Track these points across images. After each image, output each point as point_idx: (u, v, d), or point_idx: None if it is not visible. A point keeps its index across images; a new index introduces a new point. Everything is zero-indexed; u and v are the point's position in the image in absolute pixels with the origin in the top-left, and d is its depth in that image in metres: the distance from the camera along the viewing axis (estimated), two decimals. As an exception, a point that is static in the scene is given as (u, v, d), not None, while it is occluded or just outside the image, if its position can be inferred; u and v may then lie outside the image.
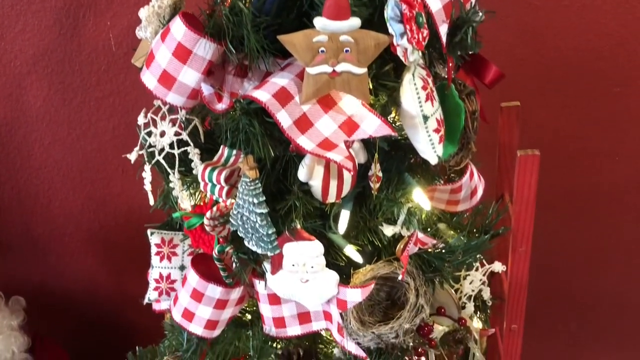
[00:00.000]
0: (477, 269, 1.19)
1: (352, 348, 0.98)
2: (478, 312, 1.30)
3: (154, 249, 1.16)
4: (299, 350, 1.03)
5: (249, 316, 1.16)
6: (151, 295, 1.17)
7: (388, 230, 0.94)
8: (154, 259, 1.16)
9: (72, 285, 2.03)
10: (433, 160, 0.83)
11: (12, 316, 1.72)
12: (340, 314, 0.98)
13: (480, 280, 1.20)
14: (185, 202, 1.01)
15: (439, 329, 1.20)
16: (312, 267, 0.95)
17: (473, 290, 1.21)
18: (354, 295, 0.95)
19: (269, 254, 0.89)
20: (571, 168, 1.81)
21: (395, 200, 0.90)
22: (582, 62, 1.69)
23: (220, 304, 1.03)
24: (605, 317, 2.14)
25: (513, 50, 1.65)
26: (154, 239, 1.16)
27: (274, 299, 1.03)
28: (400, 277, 0.97)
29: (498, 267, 1.21)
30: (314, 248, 0.94)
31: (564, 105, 1.72)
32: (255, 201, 0.83)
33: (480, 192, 1.08)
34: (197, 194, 0.99)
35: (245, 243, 0.91)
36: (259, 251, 0.89)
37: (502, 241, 1.23)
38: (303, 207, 0.89)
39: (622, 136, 1.77)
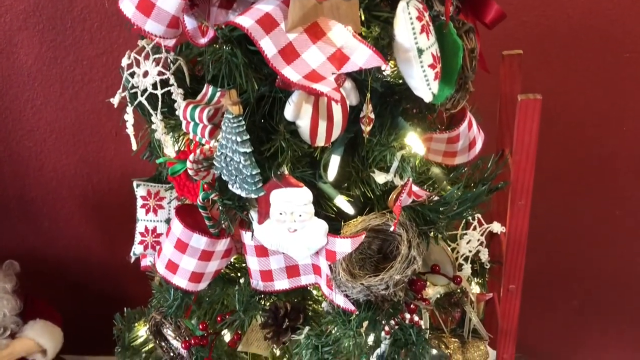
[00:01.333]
0: (474, 228, 1.14)
1: (341, 301, 0.93)
2: (476, 277, 1.25)
3: (139, 202, 1.12)
4: (287, 305, 0.99)
5: (239, 274, 1.12)
6: (136, 249, 1.13)
7: (380, 178, 0.90)
8: (140, 212, 1.12)
9: (65, 250, 2.00)
10: (427, 98, 0.78)
11: (5, 279, 1.70)
12: (329, 266, 0.93)
13: (478, 240, 1.15)
14: (170, 148, 0.96)
15: (434, 291, 1.16)
16: (300, 215, 0.91)
17: (470, 251, 1.16)
18: (344, 246, 0.91)
19: (253, 196, 0.85)
20: (576, 136, 1.75)
21: (387, 144, 0.86)
22: (592, 27, 1.63)
23: (205, 256, 0.99)
24: (608, 296, 2.09)
25: (518, 13, 1.59)
26: (140, 191, 1.12)
27: (261, 251, 0.99)
28: (392, 229, 0.93)
29: (497, 227, 1.16)
30: (302, 195, 0.89)
31: (572, 70, 1.66)
32: (239, 139, 0.79)
33: (479, 145, 1.03)
34: (181, 139, 0.95)
35: (230, 187, 0.87)
36: (243, 194, 0.85)
37: (502, 201, 1.19)
38: (291, 150, 0.85)
39: (632, 104, 1.72)
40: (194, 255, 0.99)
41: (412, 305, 0.97)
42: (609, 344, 2.22)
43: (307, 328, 0.98)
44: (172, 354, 1.14)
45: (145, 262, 1.16)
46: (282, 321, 0.99)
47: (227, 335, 1.14)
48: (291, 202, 0.90)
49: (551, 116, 1.70)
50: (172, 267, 1.00)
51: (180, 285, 1.01)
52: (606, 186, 1.85)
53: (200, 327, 1.04)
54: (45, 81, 1.71)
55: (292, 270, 1.00)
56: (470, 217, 1.14)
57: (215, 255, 1.00)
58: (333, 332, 0.94)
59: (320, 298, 1.04)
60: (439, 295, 1.16)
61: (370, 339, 1.04)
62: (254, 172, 0.81)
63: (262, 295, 1.05)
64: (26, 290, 1.76)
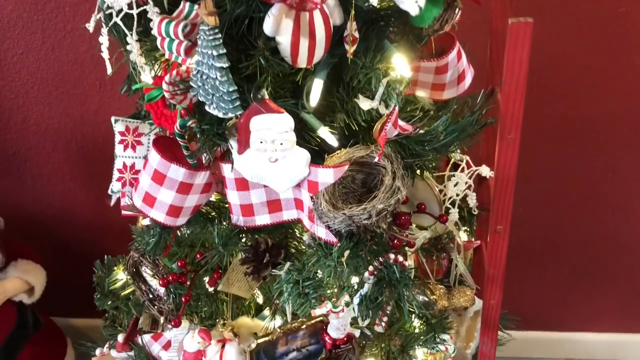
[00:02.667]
0: (462, 170, 1.11)
1: (322, 233, 0.91)
2: (463, 224, 1.23)
3: (117, 137, 1.09)
4: (268, 241, 0.96)
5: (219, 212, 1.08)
6: (114, 186, 1.09)
7: (365, 104, 0.86)
8: (118, 148, 1.09)
9: (49, 207, 1.96)
10: (414, 11, 0.75)
11: (-12, 234, 1.67)
12: (311, 198, 0.90)
13: (466, 183, 1.12)
14: (146, 75, 0.93)
15: (420, 236, 1.13)
16: (282, 144, 0.87)
17: (458, 195, 1.13)
18: (326, 176, 0.88)
19: (230, 115, 0.81)
20: (570, 96, 1.72)
21: (372, 67, 0.82)
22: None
23: (184, 188, 0.96)
24: (599, 262, 2.08)
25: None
26: (118, 126, 1.09)
27: (242, 184, 0.96)
28: (376, 160, 0.90)
29: (485, 171, 1.13)
30: (283, 121, 0.86)
31: (565, 26, 1.63)
32: (215, 53, 0.75)
33: (468, 79, 1.00)
34: (158, 65, 0.91)
35: (207, 108, 0.83)
36: (221, 114, 0.82)
37: (490, 145, 1.16)
38: (271, 70, 0.81)
39: (627, 61, 1.68)
40: (172, 187, 0.95)
41: (395, 241, 0.94)
42: (599, 309, 2.21)
43: (288, 263, 0.96)
44: (150, 296, 1.11)
45: (124, 202, 1.13)
46: (262, 256, 0.96)
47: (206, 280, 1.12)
48: (272, 129, 0.87)
49: (543, 74, 1.67)
50: (150, 200, 0.97)
51: (158, 219, 0.98)
52: (600, 148, 1.83)
53: (179, 264, 1.01)
54: (26, 29, 1.66)
55: (274, 204, 0.97)
56: (458, 159, 1.11)
57: (194, 188, 0.97)
58: (314, 265, 0.91)
59: (302, 236, 1.01)
60: (424, 240, 1.14)
61: (354, 279, 1.02)
62: (230, 89, 0.78)
63: (243, 233, 1.02)
64: (8, 247, 1.73)
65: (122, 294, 1.20)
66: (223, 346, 1.10)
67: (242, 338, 1.10)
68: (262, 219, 0.97)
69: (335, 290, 0.92)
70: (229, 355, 1.07)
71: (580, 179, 1.89)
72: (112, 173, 1.78)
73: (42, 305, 1.83)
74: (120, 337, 1.31)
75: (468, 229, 1.23)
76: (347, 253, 0.86)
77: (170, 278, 1.00)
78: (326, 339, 1.01)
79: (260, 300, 1.22)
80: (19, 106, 1.78)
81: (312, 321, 1.04)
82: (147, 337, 1.27)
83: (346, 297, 0.93)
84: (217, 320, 1.13)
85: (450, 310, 1.18)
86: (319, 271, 0.91)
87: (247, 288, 1.10)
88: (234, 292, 1.09)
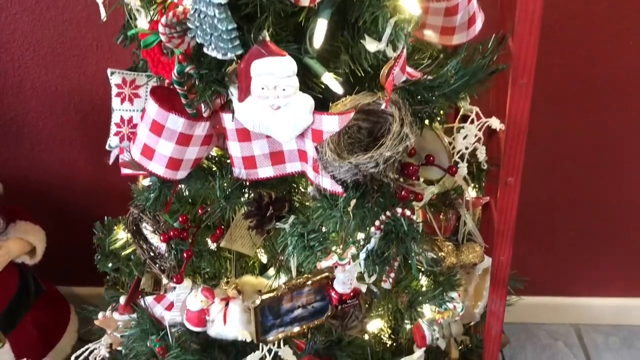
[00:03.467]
0: (472, 122, 1.07)
1: (327, 184, 0.87)
2: (472, 180, 1.19)
3: (114, 90, 1.05)
4: (271, 194, 0.93)
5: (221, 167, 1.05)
6: (112, 141, 1.06)
7: (371, 46, 0.82)
8: (115, 101, 1.05)
9: (48, 173, 1.93)
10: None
11: (-13, 199, 1.64)
12: (316, 148, 0.87)
13: (476, 135, 1.09)
14: (142, 20, 0.88)
15: (428, 191, 1.10)
16: (284, 89, 0.83)
17: (467, 148, 1.09)
18: (331, 124, 0.84)
19: (230, 55, 0.77)
20: (579, 53, 1.67)
21: (379, 4, 0.78)
22: None
23: (183, 140, 0.92)
24: (606, 228, 2.05)
25: None
26: (115, 79, 1.05)
27: (243, 135, 0.92)
28: (383, 106, 0.86)
29: (495, 123, 1.09)
30: (286, 65, 0.82)
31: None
32: (213, -12, 0.71)
33: (479, 24, 0.95)
34: (153, 8, 0.87)
35: (205, 50, 0.79)
36: (220, 55, 0.78)
37: (500, 96, 1.12)
38: (272, 9, 0.77)
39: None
40: (171, 138, 0.92)
41: (403, 192, 0.91)
42: (606, 274, 2.19)
43: (292, 217, 0.92)
44: (151, 254, 1.09)
45: (123, 158, 1.09)
46: (266, 210, 0.93)
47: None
48: (274, 73, 0.83)
49: (553, 31, 1.62)
50: (148, 152, 0.93)
51: (157, 172, 0.94)
52: (612, 108, 1.78)
53: (180, 220, 0.98)
54: (19, -13, 1.62)
55: (277, 156, 0.93)
56: (468, 109, 1.07)
57: (193, 140, 0.93)
58: (319, 217, 0.87)
59: (306, 189, 0.97)
60: (432, 196, 1.11)
61: (361, 235, 0.99)
62: (229, 27, 0.74)
63: (246, 188, 0.99)
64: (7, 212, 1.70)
65: (122, 254, 1.17)
66: (227, 304, 1.08)
67: (246, 296, 1.07)
68: (265, 171, 0.94)
69: (341, 243, 0.89)
70: (233, 313, 1.05)
71: (590, 141, 1.85)
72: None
73: (44, 273, 1.81)
74: (122, 300, 1.29)
75: (477, 186, 1.20)
76: (353, 203, 0.83)
77: (172, 234, 0.97)
78: (332, 294, 0.99)
79: (264, 259, 1.20)
80: (15, 69, 1.74)
81: (318, 277, 1.01)
82: (149, 299, 1.25)
83: (352, 250, 0.90)
84: (221, 278, 1.10)
85: (458, 267, 1.15)
86: (324, 224, 0.88)
87: (250, 245, 1.07)
88: (237, 249, 1.06)
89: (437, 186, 1.10)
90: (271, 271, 1.16)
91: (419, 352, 1.14)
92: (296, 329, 1.06)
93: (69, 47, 1.70)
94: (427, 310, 1.21)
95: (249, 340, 1.03)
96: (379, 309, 1.21)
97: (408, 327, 1.30)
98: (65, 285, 2.04)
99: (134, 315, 1.25)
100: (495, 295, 1.18)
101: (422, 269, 1.15)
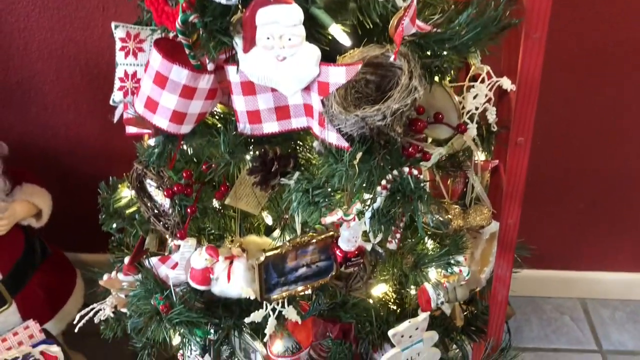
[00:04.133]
0: (482, 81, 1.05)
1: (333, 138, 0.86)
2: (482, 143, 1.17)
3: (118, 44, 1.03)
4: (276, 150, 0.92)
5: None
6: (116, 96, 1.05)
7: (380, -5, 0.80)
8: (119, 55, 1.03)
9: (54, 138, 1.92)
10: None
11: (-7, 159, 1.63)
12: (322, 101, 0.85)
13: (486, 96, 1.06)
14: (146, -32, 0.86)
15: (436, 152, 1.08)
16: (290, 39, 0.82)
17: (477, 108, 1.07)
18: (338, 75, 0.82)
19: (234, 1, 0.75)
20: (590, 20, 1.63)
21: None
22: None
23: (187, 92, 0.91)
24: (615, 199, 2.03)
25: None
26: (119, 32, 1.03)
27: (248, 89, 0.90)
28: (392, 59, 0.84)
29: (507, 83, 1.06)
30: (292, 13, 0.80)
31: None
32: None
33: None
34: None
35: (209, -4, 0.77)
36: (224, 0, 0.76)
37: (512, 56, 1.09)
38: (278, -46, 0.75)
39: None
40: (175, 91, 0.90)
41: (411, 149, 0.89)
42: (615, 248, 2.17)
43: (297, 173, 0.91)
44: (155, 211, 1.08)
45: (128, 114, 1.08)
46: (270, 165, 0.92)
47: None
48: (279, 22, 0.81)
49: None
50: (152, 105, 0.92)
51: (161, 126, 0.93)
52: (623, 77, 1.75)
53: (184, 175, 0.97)
54: (24, -54, 1.60)
55: (282, 111, 0.92)
56: (478, 67, 1.04)
57: (197, 93, 0.92)
58: (324, 172, 0.86)
59: (312, 146, 0.96)
60: (440, 157, 1.09)
61: (366, 195, 0.97)
62: (234, -30, 0.72)
63: (251, 144, 0.97)
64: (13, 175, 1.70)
65: (127, 212, 1.17)
66: (231, 263, 1.07)
67: (251, 255, 1.06)
68: (270, 126, 0.92)
69: (347, 199, 0.88)
70: (237, 271, 1.04)
71: (600, 111, 1.82)
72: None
73: (50, 238, 1.82)
74: (127, 260, 1.29)
75: (486, 149, 1.18)
76: (359, 156, 0.81)
77: (175, 189, 0.96)
78: (337, 252, 0.98)
79: (269, 221, 1.19)
80: (20, 30, 1.72)
81: (322, 236, 1.01)
82: (154, 260, 1.24)
83: (357, 205, 0.88)
84: (225, 238, 1.09)
85: (465, 230, 1.14)
86: (329, 179, 0.87)
87: (255, 204, 1.06)
88: (242, 208, 1.06)
89: (445, 147, 1.08)
90: (276, 232, 1.15)
91: (423, 315, 1.14)
92: (300, 288, 1.05)
93: (74, 8, 1.68)
94: (433, 273, 1.20)
95: (252, 297, 1.03)
96: (384, 273, 1.20)
97: (413, 292, 1.29)
98: (71, 252, 2.04)
99: (139, 276, 1.25)
100: (502, 260, 1.16)
101: (429, 232, 1.14)
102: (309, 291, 1.10)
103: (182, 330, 1.05)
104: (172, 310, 1.06)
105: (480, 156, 1.18)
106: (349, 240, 0.95)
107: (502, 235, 1.12)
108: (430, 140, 1.04)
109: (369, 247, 0.98)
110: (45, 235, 1.78)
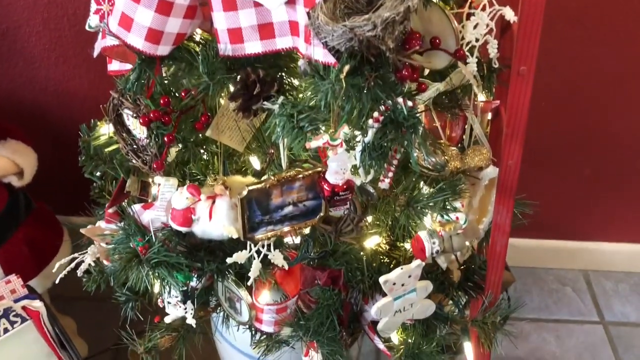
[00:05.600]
0: (483, 8, 0.98)
1: (320, 54, 0.79)
2: (481, 82, 1.10)
3: (94, -37, 0.96)
4: (259, 72, 0.85)
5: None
6: (92, 20, 0.98)
7: None
8: (95, -25, 0.97)
9: (43, 93, 1.86)
10: None
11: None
12: (308, 13, 0.78)
13: (487, 25, 0.99)
14: None
15: (432, 88, 1.01)
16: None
17: (477, 40, 1.00)
18: (324, -17, 0.76)
19: None
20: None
21: None
22: None
23: (163, 7, 0.84)
24: (621, 165, 1.96)
25: None
26: (95, -50, 0.96)
27: (229, 4, 0.83)
28: (384, -33, 0.77)
29: (509, 13, 1.00)
30: None
31: None
32: None
33: None
34: None
35: None
36: None
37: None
38: None
39: None
40: (150, 5, 0.84)
41: (404, 71, 0.82)
42: (619, 218, 2.11)
43: (281, 97, 0.85)
44: (134, 146, 1.02)
45: (105, 44, 1.02)
46: (253, 88, 0.85)
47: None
48: None
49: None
50: (126, 22, 0.86)
51: (136, 45, 0.87)
52: (631, 42, 1.67)
53: (162, 102, 0.91)
54: None
55: (266, 29, 0.85)
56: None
57: (175, 9, 0.85)
58: (310, 91, 0.80)
59: (296, 68, 0.89)
60: (437, 93, 1.02)
61: (356, 133, 0.91)
62: None
63: (233, 69, 0.91)
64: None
65: (106, 150, 1.11)
66: (213, 202, 1.01)
67: (234, 193, 1.00)
68: (253, 46, 0.86)
69: (333, 122, 0.81)
70: (220, 209, 0.98)
71: (608, 70, 1.74)
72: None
73: (38, 197, 1.76)
74: (108, 204, 1.23)
75: (487, 89, 1.11)
76: (346, 69, 0.75)
77: (152, 115, 0.90)
78: (324, 186, 0.92)
79: (256, 165, 1.13)
80: (5, -24, 1.66)
81: (309, 172, 0.94)
82: (137, 207, 1.18)
83: (345, 129, 0.82)
84: (208, 176, 1.03)
85: (462, 173, 1.08)
86: (314, 99, 0.80)
87: (239, 139, 1.00)
88: (225, 142, 0.99)
89: (443, 83, 1.01)
90: (265, 177, 1.09)
91: (417, 262, 1.08)
92: (286, 228, 0.99)
93: (60, -48, 1.62)
94: (428, 220, 1.14)
95: (235, 236, 0.97)
96: (376, 221, 1.14)
97: (407, 245, 1.23)
98: (60, 215, 1.99)
99: (121, 225, 1.20)
100: (502, 206, 1.10)
101: (425, 175, 1.07)
102: (297, 238, 1.05)
103: (161, 272, 1.00)
104: (149, 250, 1.00)
105: (480, 96, 1.12)
106: (336, 172, 0.88)
107: (501, 177, 1.06)
108: (427, 72, 0.98)
109: (358, 181, 0.92)
110: (32, 195, 1.73)
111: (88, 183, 1.36)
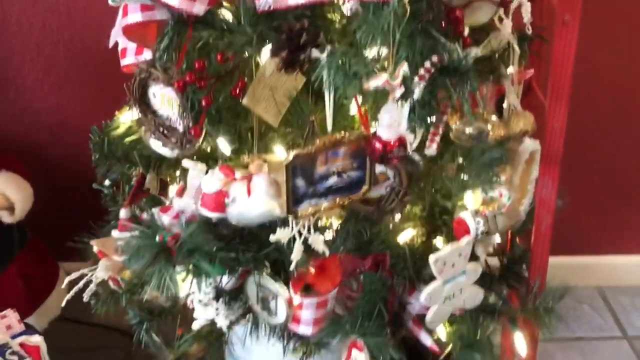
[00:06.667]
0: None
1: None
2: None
3: None
4: (304, 22, 0.80)
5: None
6: (114, -8, 0.93)
7: None
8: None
9: (35, 126, 1.78)
10: None
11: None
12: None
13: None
14: None
15: (472, 52, 0.98)
16: None
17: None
18: None
19: None
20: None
21: None
22: None
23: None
24: (632, 172, 1.94)
25: None
26: None
27: (271, -47, 0.80)
28: None
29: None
30: None
31: None
32: None
33: None
34: None
35: None
36: None
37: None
38: None
39: None
40: (187, -42, 0.80)
41: (457, 12, 0.79)
42: (631, 226, 2.07)
43: (328, 46, 0.80)
44: (160, 129, 0.95)
45: (127, 21, 0.96)
46: (297, 39, 0.80)
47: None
48: None
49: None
50: (160, -22, 0.81)
51: (171, 3, 0.81)
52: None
53: (197, 65, 0.85)
54: None
55: (308, -21, 0.81)
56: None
57: (213, -38, 0.81)
58: (362, 30, 0.75)
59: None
60: (475, 57, 0.99)
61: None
62: None
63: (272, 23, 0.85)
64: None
65: (126, 140, 1.03)
66: (249, 182, 0.94)
67: (272, 169, 0.93)
68: (296, -2, 0.82)
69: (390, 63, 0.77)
70: (259, 185, 0.91)
71: (620, 69, 1.74)
72: (106, 78, 1.61)
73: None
74: (123, 213, 1.14)
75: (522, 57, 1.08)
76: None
77: (188, 78, 0.84)
78: (375, 144, 0.85)
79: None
80: (-2, 2, 1.61)
81: (355, 135, 0.89)
82: (154, 210, 1.10)
83: (405, 67, 0.77)
84: (241, 155, 0.97)
85: (507, 141, 1.03)
86: (369, 36, 0.75)
87: (275, 111, 0.94)
88: (260, 113, 0.93)
89: (482, 47, 0.98)
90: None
91: (466, 238, 1.01)
92: (328, 203, 0.92)
93: (56, -26, 1.59)
94: (470, 200, 1.08)
95: (277, 212, 0.89)
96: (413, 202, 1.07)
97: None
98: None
99: (136, 231, 1.10)
100: (547, 177, 1.05)
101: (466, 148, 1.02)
102: (336, 214, 0.98)
103: (196, 261, 0.90)
104: (181, 237, 0.91)
105: (511, 69, 1.09)
106: (390, 125, 0.83)
107: (546, 144, 1.01)
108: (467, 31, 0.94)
109: (410, 137, 0.86)
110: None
111: (85, 226, 1.26)
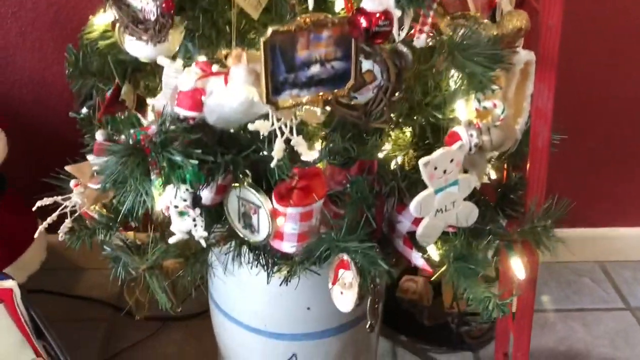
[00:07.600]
0: None
1: None
2: None
3: None
4: None
5: None
6: None
7: None
8: None
9: (18, 85, 1.73)
10: None
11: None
12: None
13: None
14: None
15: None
16: None
17: None
18: None
19: None
20: None
21: None
22: None
23: None
24: (626, 138, 1.90)
25: None
26: None
27: None
28: None
29: None
30: None
31: None
32: None
33: None
34: None
35: None
36: None
37: None
38: None
39: None
40: None
41: None
42: (631, 196, 2.02)
43: None
44: (134, 22, 0.90)
45: None
46: None
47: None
48: None
49: None
50: None
51: None
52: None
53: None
54: None
55: None
56: None
57: None
58: None
59: None
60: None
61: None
62: None
63: None
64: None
65: (101, 43, 0.98)
66: (227, 75, 0.88)
67: (251, 60, 0.88)
68: None
69: None
70: (237, 75, 0.85)
71: (614, 28, 1.71)
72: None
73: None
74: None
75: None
76: None
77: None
78: (360, 19, 0.80)
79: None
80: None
81: (339, 19, 0.84)
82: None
83: None
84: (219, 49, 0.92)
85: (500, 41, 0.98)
86: None
87: (255, 2, 0.89)
88: (239, 2, 0.88)
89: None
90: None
91: (458, 143, 0.95)
92: (311, 96, 0.86)
93: None
94: (462, 110, 1.03)
95: (256, 98, 0.83)
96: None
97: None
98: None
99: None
100: (543, 84, 1.00)
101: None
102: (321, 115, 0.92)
103: (169, 156, 0.84)
104: (153, 129, 0.85)
105: None
106: (374, -4, 0.78)
107: (542, 45, 0.96)
108: None
109: (398, 13, 0.81)
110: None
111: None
